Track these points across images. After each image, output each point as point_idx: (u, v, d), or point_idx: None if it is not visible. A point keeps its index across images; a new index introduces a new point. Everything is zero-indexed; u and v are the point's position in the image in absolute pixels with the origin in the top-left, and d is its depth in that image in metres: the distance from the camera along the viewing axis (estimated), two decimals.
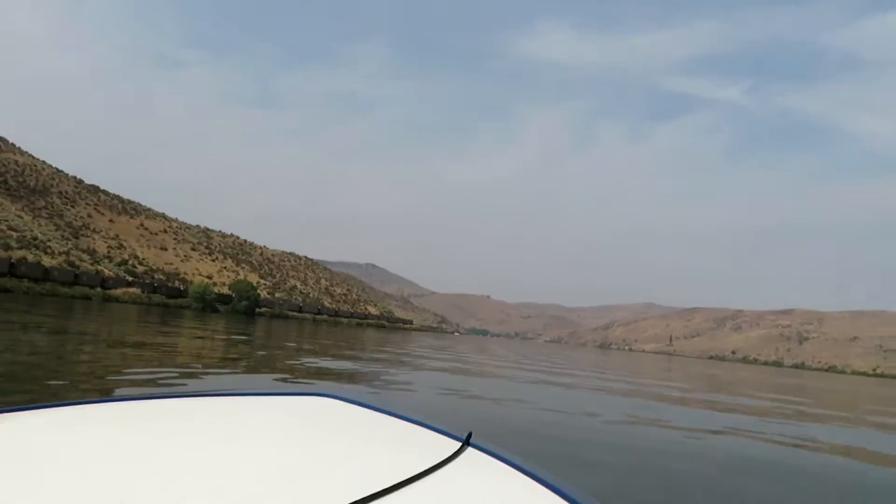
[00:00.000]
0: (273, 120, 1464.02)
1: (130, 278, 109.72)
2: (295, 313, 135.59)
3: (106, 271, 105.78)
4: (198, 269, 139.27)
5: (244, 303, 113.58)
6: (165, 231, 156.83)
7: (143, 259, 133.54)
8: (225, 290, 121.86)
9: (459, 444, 1.28)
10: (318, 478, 1.01)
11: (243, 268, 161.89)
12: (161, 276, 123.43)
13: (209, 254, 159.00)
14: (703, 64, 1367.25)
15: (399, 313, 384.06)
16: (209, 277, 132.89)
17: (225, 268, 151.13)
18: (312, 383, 11.98)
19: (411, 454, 1.19)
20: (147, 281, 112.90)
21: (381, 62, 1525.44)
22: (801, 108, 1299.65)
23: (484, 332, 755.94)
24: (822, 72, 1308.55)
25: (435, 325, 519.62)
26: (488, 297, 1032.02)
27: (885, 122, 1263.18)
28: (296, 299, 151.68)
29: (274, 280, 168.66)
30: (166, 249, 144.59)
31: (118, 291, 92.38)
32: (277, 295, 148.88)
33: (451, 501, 0.98)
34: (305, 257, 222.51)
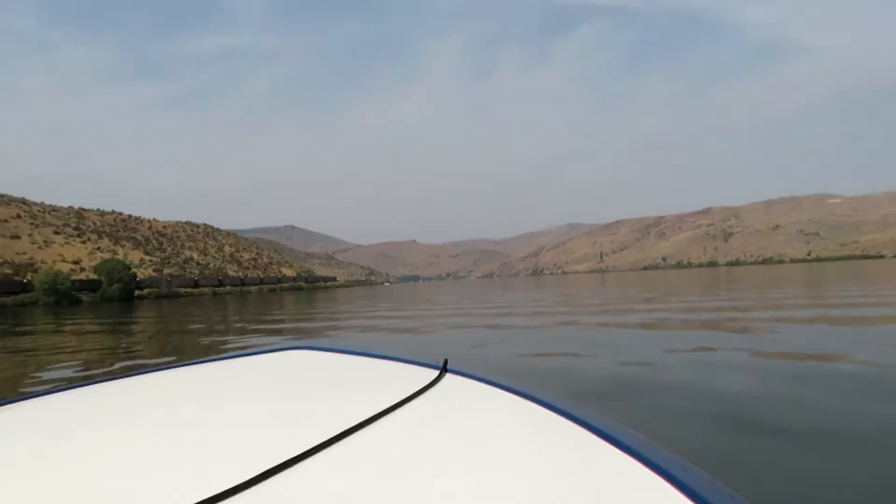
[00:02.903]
0: (159, 91, 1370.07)
1: None
2: (189, 289, 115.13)
3: None
4: (61, 255, 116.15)
5: (116, 286, 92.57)
6: (19, 216, 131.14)
7: None
8: (92, 276, 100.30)
9: (437, 371, 1.34)
10: (304, 420, 1.03)
11: (123, 246, 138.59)
12: (7, 270, 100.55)
13: (78, 235, 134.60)
14: None
15: (323, 271, 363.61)
16: (76, 263, 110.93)
17: (98, 248, 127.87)
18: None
19: (391, 387, 1.23)
20: None
21: (263, 14, 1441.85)
22: (690, 5, 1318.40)
23: (415, 278, 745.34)
24: None
25: (363, 278, 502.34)
26: (415, 241, 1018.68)
27: (767, 9, 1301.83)
28: (190, 273, 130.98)
29: (163, 255, 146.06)
30: (19, 238, 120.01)
31: None
32: (167, 271, 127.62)
33: (435, 420, 1.02)
34: (204, 225, 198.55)
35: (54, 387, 1.37)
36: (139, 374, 1.53)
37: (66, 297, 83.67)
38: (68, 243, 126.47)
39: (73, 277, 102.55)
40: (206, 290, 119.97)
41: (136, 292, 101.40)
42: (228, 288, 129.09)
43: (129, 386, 1.40)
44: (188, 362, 1.62)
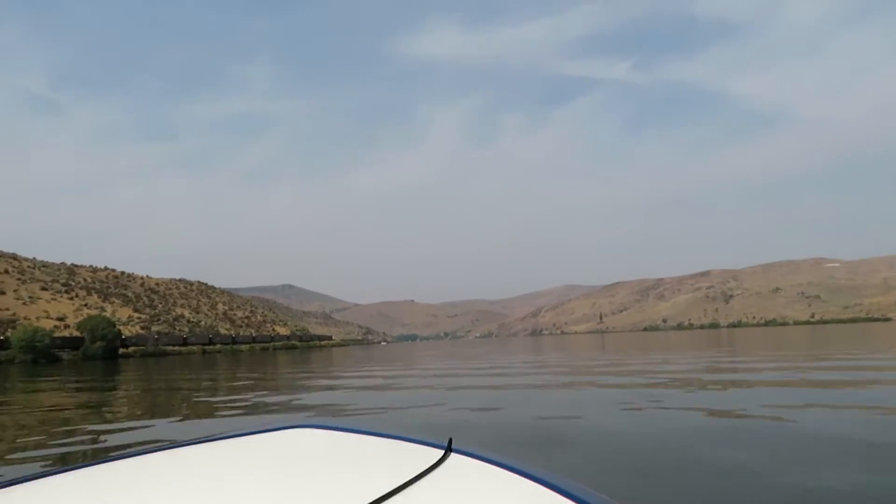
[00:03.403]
0: (168, 152, 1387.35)
1: None
2: (177, 347, 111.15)
3: None
4: (45, 312, 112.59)
5: (99, 344, 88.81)
6: (7, 272, 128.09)
7: None
8: (76, 333, 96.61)
9: (442, 451, 1.29)
10: None
11: (112, 302, 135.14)
12: None
13: (66, 292, 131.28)
14: (589, 46, 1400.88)
15: (319, 330, 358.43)
16: (60, 319, 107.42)
17: (86, 305, 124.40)
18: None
19: (395, 468, 1.20)
20: None
21: (270, 81, 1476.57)
22: (685, 78, 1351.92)
23: (413, 338, 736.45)
24: (699, 40, 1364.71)
25: (360, 338, 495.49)
26: (413, 301, 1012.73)
27: (759, 81, 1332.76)
28: (180, 331, 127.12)
29: (153, 312, 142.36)
30: (4, 293, 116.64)
31: None
32: (156, 329, 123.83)
33: None
34: (199, 282, 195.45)
35: (45, 469, 1.32)
36: (136, 454, 1.48)
37: (44, 354, 79.96)
38: (55, 299, 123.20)
39: (57, 335, 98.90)
40: (194, 348, 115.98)
41: (121, 350, 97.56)
42: (219, 346, 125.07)
43: (125, 468, 1.35)
44: (186, 442, 1.58)
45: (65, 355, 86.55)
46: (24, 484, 1.21)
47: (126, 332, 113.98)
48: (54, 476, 1.28)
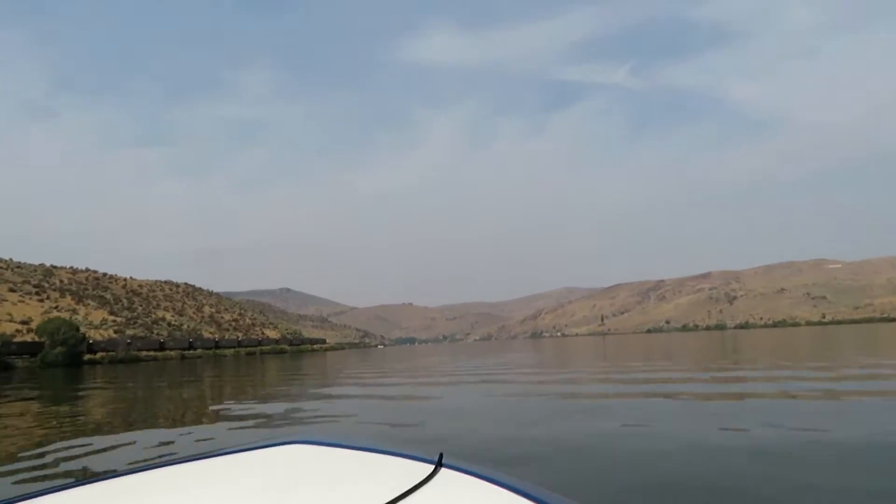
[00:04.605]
0: (165, 157, 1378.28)
1: None
2: (152, 353, 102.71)
3: None
4: (10, 314, 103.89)
5: (59, 350, 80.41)
6: None
7: None
8: (34, 337, 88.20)
9: (433, 466, 1.30)
10: None
11: (87, 305, 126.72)
12: None
13: (37, 293, 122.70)
14: (587, 51, 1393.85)
15: (316, 333, 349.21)
16: (24, 323, 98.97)
17: (56, 307, 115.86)
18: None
19: (386, 483, 1.20)
20: None
21: (267, 86, 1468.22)
22: (683, 83, 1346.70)
23: (411, 341, 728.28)
24: (696, 45, 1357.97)
25: (357, 341, 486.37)
26: (411, 304, 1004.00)
27: (757, 86, 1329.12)
28: (158, 335, 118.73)
29: (131, 315, 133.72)
30: None
31: None
32: (130, 332, 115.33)
33: None
34: (185, 284, 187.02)
35: (43, 489, 1.32)
36: (131, 472, 1.47)
37: None
38: (22, 301, 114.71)
39: (18, 339, 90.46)
40: (172, 353, 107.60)
41: (88, 356, 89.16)
42: (199, 351, 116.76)
43: (120, 486, 1.36)
44: (179, 459, 1.60)
45: (20, 362, 78.20)
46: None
47: (97, 336, 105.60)
48: (44, 496, 1.27)
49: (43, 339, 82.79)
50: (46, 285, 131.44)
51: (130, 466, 1.56)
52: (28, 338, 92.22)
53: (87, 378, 35.04)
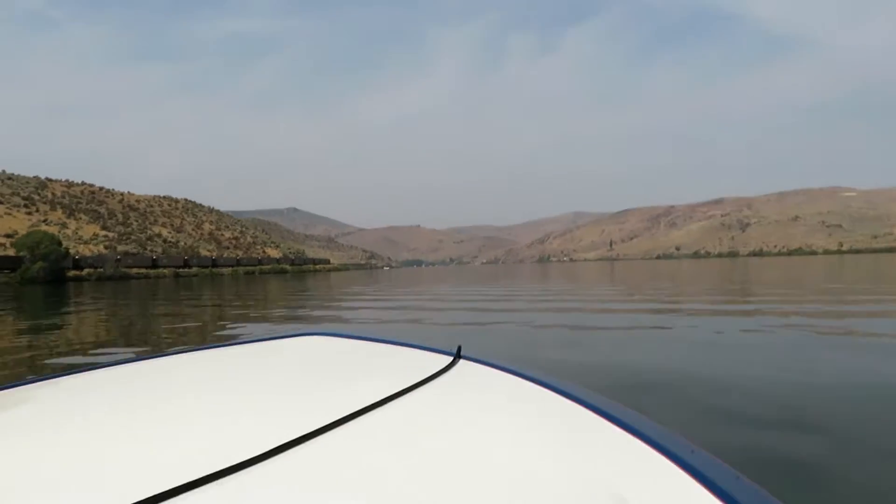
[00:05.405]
0: (168, 72, 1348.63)
1: None
2: (144, 270, 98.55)
3: None
4: None
5: (40, 265, 76.02)
6: None
7: None
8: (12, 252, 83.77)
9: (451, 357, 1.38)
10: (315, 403, 1.07)
11: (78, 219, 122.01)
12: None
13: (25, 206, 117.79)
14: None
15: (322, 254, 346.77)
16: (8, 236, 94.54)
17: (45, 221, 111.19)
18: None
19: (404, 372, 1.27)
20: None
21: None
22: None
23: (418, 263, 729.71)
24: None
25: (363, 262, 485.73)
26: (419, 226, 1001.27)
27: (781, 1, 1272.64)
28: (152, 251, 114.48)
29: (125, 230, 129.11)
30: None
31: None
32: (122, 248, 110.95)
33: (447, 403, 1.05)
34: (185, 200, 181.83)
35: (67, 371, 1.37)
36: (151, 357, 1.55)
37: None
38: (9, 213, 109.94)
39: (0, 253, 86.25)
40: (165, 271, 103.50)
41: (74, 272, 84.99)
42: (195, 270, 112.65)
43: (142, 370, 1.42)
44: (201, 347, 1.66)
45: None
46: (40, 382, 1.26)
47: (87, 251, 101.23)
48: (74, 375, 1.34)
49: (22, 254, 78.34)
50: (37, 198, 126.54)
51: (153, 351, 1.45)
52: (11, 252, 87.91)
53: (69, 296, 30.41)
